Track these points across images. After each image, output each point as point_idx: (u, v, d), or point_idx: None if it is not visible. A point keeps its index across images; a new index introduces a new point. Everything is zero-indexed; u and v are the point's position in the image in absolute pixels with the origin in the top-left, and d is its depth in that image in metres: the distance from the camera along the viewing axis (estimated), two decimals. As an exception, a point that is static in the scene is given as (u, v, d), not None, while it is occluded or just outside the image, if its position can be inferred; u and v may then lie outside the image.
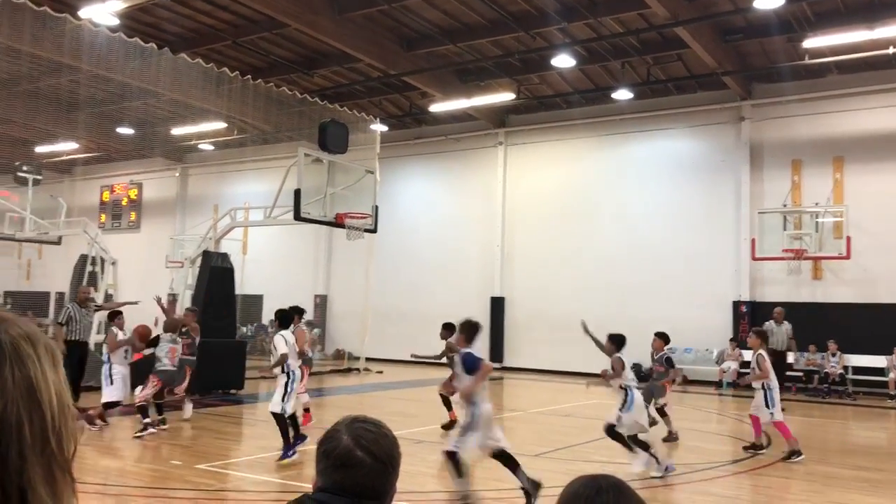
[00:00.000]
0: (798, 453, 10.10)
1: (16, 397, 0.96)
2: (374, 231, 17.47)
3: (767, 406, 10.35)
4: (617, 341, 9.17)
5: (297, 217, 15.32)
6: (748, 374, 11.11)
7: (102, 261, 19.70)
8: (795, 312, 20.46)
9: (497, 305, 24.93)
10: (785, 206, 20.32)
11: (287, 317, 9.97)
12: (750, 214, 20.77)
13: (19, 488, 0.93)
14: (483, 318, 24.60)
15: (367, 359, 23.31)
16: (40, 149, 29.79)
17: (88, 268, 19.87)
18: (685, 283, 21.71)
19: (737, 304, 21.07)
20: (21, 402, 0.97)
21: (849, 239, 18.80)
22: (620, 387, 9.03)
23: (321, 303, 28.76)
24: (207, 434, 10.78)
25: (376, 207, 17.23)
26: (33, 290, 34.49)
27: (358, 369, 22.94)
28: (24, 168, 23.08)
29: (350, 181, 17.91)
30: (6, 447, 0.93)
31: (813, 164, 20.66)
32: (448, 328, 11.55)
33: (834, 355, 18.98)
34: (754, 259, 20.27)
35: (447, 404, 11.83)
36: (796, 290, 20.59)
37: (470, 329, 7.77)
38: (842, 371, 18.85)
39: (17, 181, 22.99)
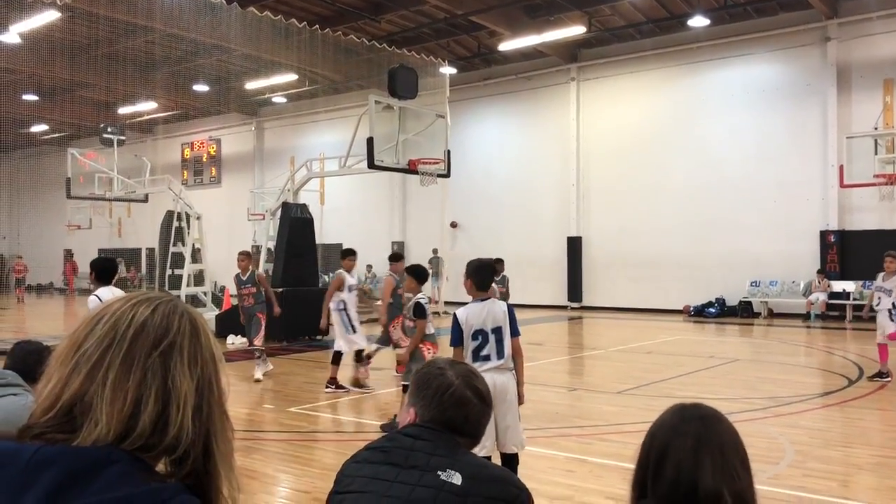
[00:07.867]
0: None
1: (207, 359, 1.19)
2: (447, 176, 17.45)
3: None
4: None
5: (371, 165, 15.43)
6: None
7: (188, 216, 20.38)
8: (888, 240, 19.65)
9: (574, 245, 24.74)
10: (876, 129, 19.34)
11: None
12: (838, 140, 19.87)
13: (206, 430, 1.16)
14: (560, 258, 24.62)
15: (446, 302, 23.58)
16: (122, 110, 30.79)
17: (175, 223, 20.60)
18: (769, 215, 21.05)
19: (824, 234, 20.35)
20: (211, 363, 1.19)
21: (946, 161, 17.83)
22: None
23: (399, 249, 29.11)
24: (296, 378, 11.17)
25: (448, 152, 17.18)
26: (125, 247, 36.06)
27: (437, 313, 23.26)
28: (109, 130, 23.93)
29: (421, 127, 17.87)
30: (202, 400, 1.16)
31: (906, 83, 19.54)
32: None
33: (930, 283, 18.19)
34: (843, 186, 19.46)
35: None
36: (889, 216, 19.73)
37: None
38: (939, 299, 18.07)
39: (102, 143, 23.90)
